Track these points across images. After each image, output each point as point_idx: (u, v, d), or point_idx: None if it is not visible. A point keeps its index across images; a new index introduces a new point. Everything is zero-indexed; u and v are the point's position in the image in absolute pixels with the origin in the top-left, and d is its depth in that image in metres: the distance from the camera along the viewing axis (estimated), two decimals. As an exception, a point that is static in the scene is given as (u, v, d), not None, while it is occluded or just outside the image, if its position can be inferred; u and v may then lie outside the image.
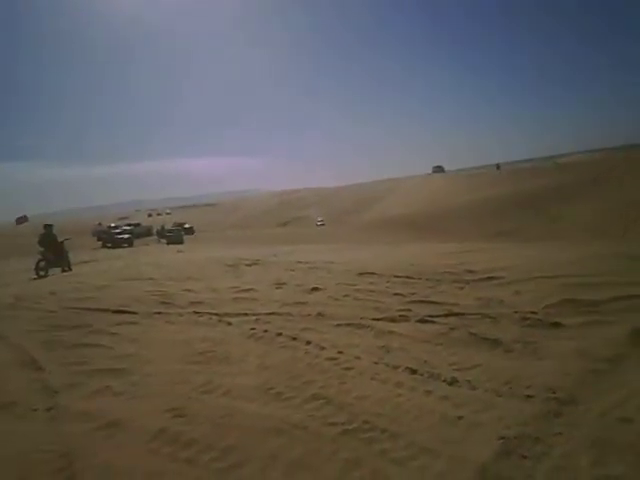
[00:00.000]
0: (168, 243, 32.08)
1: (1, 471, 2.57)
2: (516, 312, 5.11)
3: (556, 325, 4.61)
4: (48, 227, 13.91)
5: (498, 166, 65.82)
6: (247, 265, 10.47)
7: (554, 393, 3.12)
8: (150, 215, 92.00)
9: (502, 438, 2.57)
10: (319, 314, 5.58)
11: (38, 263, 12.83)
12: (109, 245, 31.70)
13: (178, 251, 18.39)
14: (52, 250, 13.35)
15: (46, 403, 3.45)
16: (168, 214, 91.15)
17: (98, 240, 38.69)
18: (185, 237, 36.40)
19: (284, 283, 7.79)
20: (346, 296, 6.52)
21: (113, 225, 45.32)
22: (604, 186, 32.60)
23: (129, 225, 45.77)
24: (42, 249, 13.26)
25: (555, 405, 2.98)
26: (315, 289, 7.05)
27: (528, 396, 3.11)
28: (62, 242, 13.89)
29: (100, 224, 55.27)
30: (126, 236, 33.12)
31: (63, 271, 13.16)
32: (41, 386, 3.82)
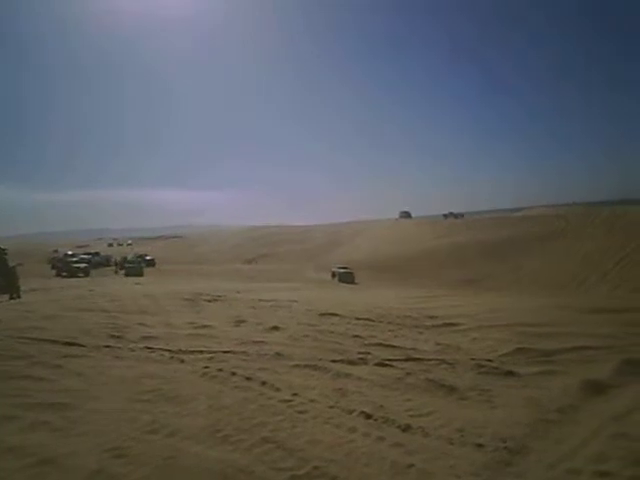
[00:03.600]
0: (127, 275, 30.96)
1: None
2: (473, 359, 5.18)
3: (510, 374, 4.69)
4: (0, 251, 13.23)
5: (460, 215, 67.67)
6: (207, 301, 10.22)
7: (504, 442, 3.12)
8: (111, 245, 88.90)
9: (452, 488, 2.52)
10: (277, 354, 5.46)
11: (-16, 289, 12.10)
12: (64, 274, 30.32)
13: (136, 283, 17.78)
14: (2, 275, 12.64)
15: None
16: (129, 245, 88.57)
17: (52, 268, 36.95)
18: (146, 269, 35.33)
19: (244, 321, 7.63)
20: (306, 336, 6.43)
21: (70, 253, 43.49)
22: (562, 240, 34.14)
23: (87, 254, 44.10)
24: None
25: (506, 455, 2.97)
26: (275, 328, 6.94)
27: (479, 445, 3.10)
28: (13, 267, 13.19)
29: (57, 251, 52.93)
30: (82, 265, 31.79)
31: (11, 298, 12.42)
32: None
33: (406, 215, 72.95)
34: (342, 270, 31.23)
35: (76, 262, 33.01)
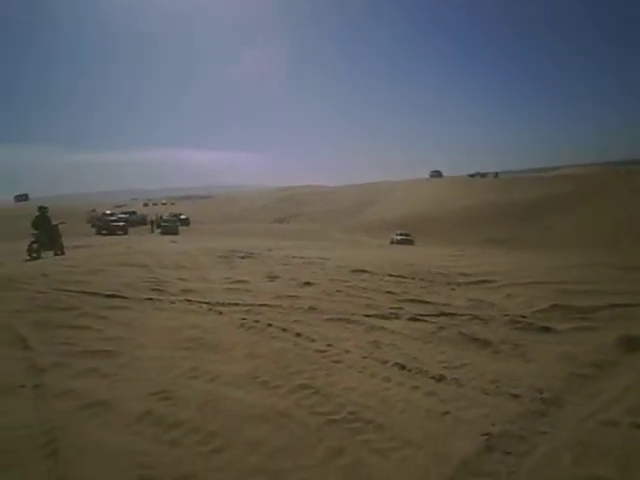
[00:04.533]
0: (162, 233, 31.89)
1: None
2: (506, 315, 5.14)
3: (545, 329, 4.64)
4: (43, 209, 13.77)
5: (496, 174, 65.88)
6: (241, 257, 10.44)
7: (541, 394, 3.13)
8: (146, 204, 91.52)
9: (486, 434, 2.57)
10: (311, 308, 5.57)
11: (31, 245, 12.70)
12: (104, 232, 31.48)
13: (172, 242, 18.30)
14: (45, 233, 13.24)
15: (32, 381, 3.41)
16: (164, 204, 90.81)
17: (92, 227, 38.44)
18: (181, 228, 36.21)
19: (277, 276, 7.78)
20: (338, 291, 6.51)
21: (108, 212, 44.99)
22: (598, 199, 32.80)
23: (124, 213, 45.51)
24: (35, 231, 13.15)
25: (541, 405, 2.99)
26: (308, 284, 7.04)
27: (515, 395, 3.12)
28: (56, 225, 13.77)
29: (94, 210, 54.76)
30: (121, 224, 32.88)
31: (56, 255, 13.05)
32: (28, 365, 3.78)
33: (437, 174, 71.40)
34: (400, 237, 30.77)
35: (115, 221, 34.11)
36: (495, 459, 2.35)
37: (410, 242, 28.98)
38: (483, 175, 66.43)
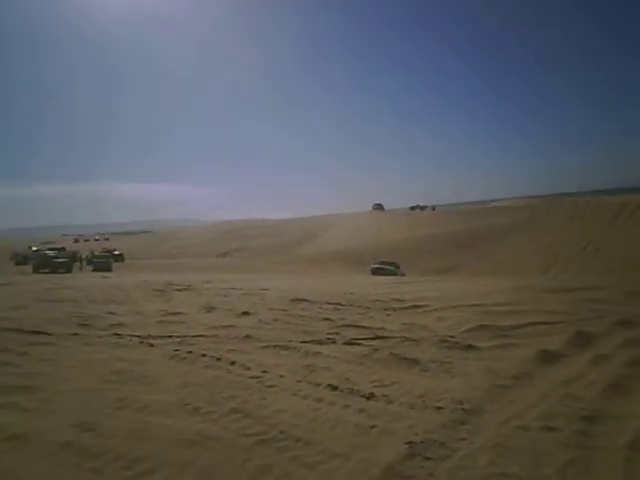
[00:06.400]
0: (95, 270, 30.14)
1: None
2: (436, 336, 5.40)
3: (471, 347, 4.92)
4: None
5: (429, 207, 69.48)
6: (177, 290, 10.16)
7: (462, 405, 3.32)
8: (77, 240, 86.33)
9: (410, 443, 2.69)
10: (247, 336, 5.54)
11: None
12: (43, 270, 29.13)
13: (104, 277, 17.44)
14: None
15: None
16: (97, 240, 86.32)
17: (17, 264, 35.99)
18: (115, 264, 34.46)
19: (214, 307, 7.66)
20: (276, 320, 6.53)
21: (34, 249, 42.14)
22: (530, 229, 35.52)
23: (52, 249, 42.75)
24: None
25: (462, 415, 3.17)
26: (245, 313, 7.01)
27: (438, 408, 3.29)
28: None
29: (30, 247, 51.29)
30: (63, 260, 30.72)
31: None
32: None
33: (379, 207, 74.06)
34: (377, 266, 29.81)
35: (56, 257, 31.72)
36: (416, 464, 2.47)
37: (389, 272, 27.55)
38: (422, 208, 69.77)
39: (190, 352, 4.88)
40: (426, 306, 7.46)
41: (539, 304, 7.10)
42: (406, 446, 2.64)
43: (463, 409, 3.26)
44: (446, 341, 5.15)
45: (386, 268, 29.18)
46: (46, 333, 5.90)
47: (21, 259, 40.40)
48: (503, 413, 3.23)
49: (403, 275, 26.88)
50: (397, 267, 29.88)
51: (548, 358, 4.50)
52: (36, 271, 28.93)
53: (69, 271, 28.23)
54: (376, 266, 29.87)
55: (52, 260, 30.03)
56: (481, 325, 5.79)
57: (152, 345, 5.26)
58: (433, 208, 68.44)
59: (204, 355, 4.76)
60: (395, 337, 5.39)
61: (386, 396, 3.55)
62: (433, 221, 46.38)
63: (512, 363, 4.37)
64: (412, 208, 71.17)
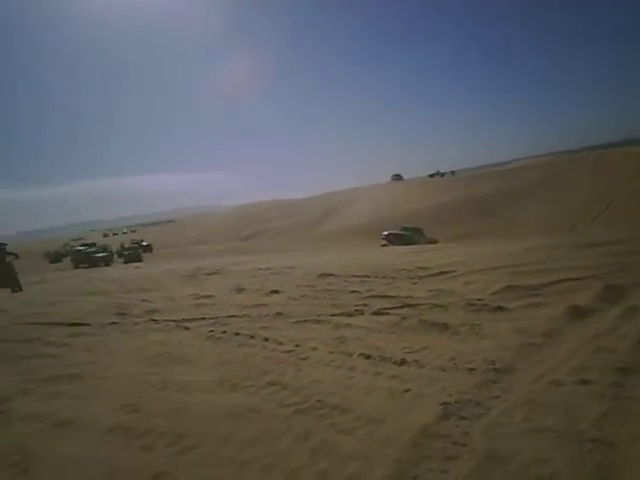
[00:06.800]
0: (125, 262, 31.09)
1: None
2: (464, 300, 5.40)
3: (499, 309, 4.92)
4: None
5: (453, 172, 68.25)
6: (207, 274, 10.39)
7: (493, 364, 3.36)
8: (106, 235, 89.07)
9: (444, 404, 2.75)
10: (278, 313, 5.66)
11: (-16, 284, 12.20)
12: (83, 265, 30.39)
13: (135, 267, 17.95)
14: (1, 270, 12.74)
15: (-2, 409, 3.36)
16: (125, 233, 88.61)
17: (50, 262, 37.70)
18: (144, 255, 35.43)
19: (244, 288, 7.81)
20: (304, 296, 6.63)
21: (79, 247, 43.97)
22: (554, 187, 34.57)
23: (84, 245, 44.26)
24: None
25: (494, 375, 3.20)
26: (274, 292, 7.13)
27: (470, 369, 3.33)
28: (10, 262, 13.26)
29: (67, 244, 53.32)
30: (103, 254, 32.05)
31: (13, 292, 12.56)
32: (-8, 395, 3.71)
33: (398, 178, 73.22)
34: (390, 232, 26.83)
35: (94, 252, 33.04)
36: (451, 424, 2.53)
37: (406, 239, 24.73)
38: (442, 174, 68.56)
39: (224, 332, 5.04)
40: (452, 272, 7.43)
41: (565, 261, 7.00)
42: (440, 407, 2.71)
43: (495, 369, 3.29)
44: (474, 304, 5.15)
45: (401, 234, 26.33)
46: (86, 324, 6.16)
47: (54, 257, 42.11)
48: (535, 370, 3.25)
49: (436, 242, 23.98)
50: (418, 233, 26.77)
51: (578, 314, 4.46)
52: (77, 266, 30.11)
53: (109, 265, 29.22)
54: (387, 233, 27.05)
55: (92, 256, 31.25)
56: (508, 286, 5.76)
57: (187, 328, 5.44)
58: (453, 173, 67.17)
59: (238, 334, 4.90)
60: (423, 304, 5.42)
61: (417, 361, 3.60)
62: (451, 187, 45.57)
63: (542, 321, 4.36)
64: (431, 175, 70.02)
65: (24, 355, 4.87)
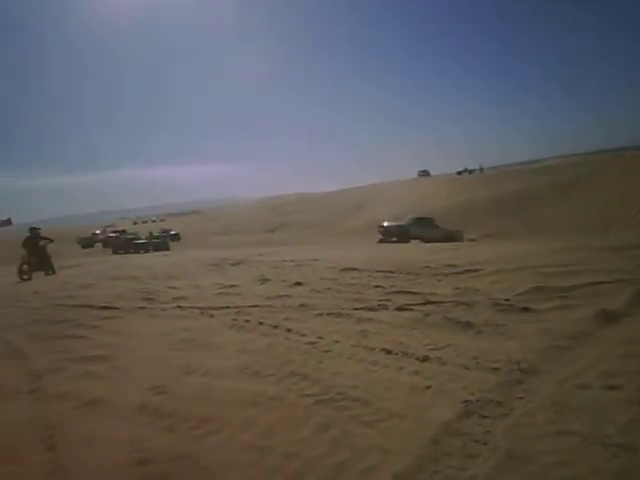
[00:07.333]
0: (154, 249, 31.87)
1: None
2: (490, 299, 5.31)
3: (526, 310, 4.81)
4: (33, 230, 13.80)
5: (481, 169, 66.57)
6: (231, 264, 10.54)
7: (518, 365, 3.30)
8: (135, 223, 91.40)
9: (466, 402, 2.72)
10: (301, 305, 5.70)
11: (21, 267, 12.69)
12: (121, 252, 31.49)
13: (163, 255, 18.36)
14: (35, 254, 13.24)
15: (30, 386, 3.52)
16: (154, 221, 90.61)
17: (83, 248, 39.13)
18: (172, 244, 36.23)
19: (268, 279, 7.89)
20: (328, 289, 6.65)
21: (97, 232, 45.35)
22: (581, 189, 33.43)
23: (115, 232, 45.56)
24: (25, 252, 13.14)
25: (518, 375, 3.15)
26: (298, 283, 7.17)
27: (494, 368, 3.28)
28: (44, 246, 13.75)
29: (105, 230, 55.12)
30: (141, 241, 33.25)
31: (47, 274, 13.05)
32: (26, 372, 3.89)
33: (425, 174, 72.23)
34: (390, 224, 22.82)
35: (133, 239, 34.37)
36: (473, 422, 2.50)
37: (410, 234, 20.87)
38: (471, 171, 67.11)
39: (247, 321, 5.11)
40: (478, 270, 7.30)
41: (596, 263, 6.77)
42: (462, 405, 2.68)
43: (520, 369, 3.23)
44: (500, 304, 5.06)
45: (403, 226, 21.85)
46: (115, 308, 6.37)
47: (86, 243, 43.54)
48: (562, 373, 3.17)
49: (460, 239, 20.59)
50: (431, 225, 22.66)
51: (607, 318, 4.31)
52: (115, 252, 31.27)
53: (147, 251, 30.14)
54: (387, 224, 22.92)
55: (132, 242, 32.44)
56: (536, 287, 5.62)
57: (212, 316, 5.55)
58: (481, 170, 65.59)
59: (261, 323, 4.97)
60: (447, 302, 5.35)
61: (440, 358, 3.57)
62: (479, 184, 44.63)
63: (570, 324, 4.24)
64: (459, 172, 68.65)
65: (56, 335, 5.08)
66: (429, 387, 3.00)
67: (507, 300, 5.23)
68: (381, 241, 21.76)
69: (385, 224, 23.32)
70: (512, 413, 2.60)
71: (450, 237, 20.34)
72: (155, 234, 41.61)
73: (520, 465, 2.11)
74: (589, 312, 4.48)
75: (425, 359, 3.59)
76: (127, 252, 30.14)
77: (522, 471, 2.07)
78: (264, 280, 7.82)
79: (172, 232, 46.74)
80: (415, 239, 20.60)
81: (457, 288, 6.08)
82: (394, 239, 21.47)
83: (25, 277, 12.49)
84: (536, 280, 5.99)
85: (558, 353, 3.56)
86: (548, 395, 2.81)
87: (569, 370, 3.20)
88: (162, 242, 34.06)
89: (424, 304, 5.36)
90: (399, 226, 22.62)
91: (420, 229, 21.91)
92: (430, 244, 16.18)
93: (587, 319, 4.30)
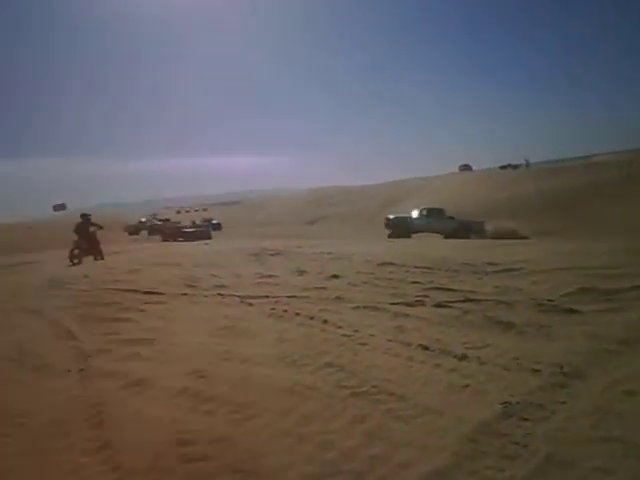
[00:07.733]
0: (196, 238, 32.67)
1: (37, 417, 2.82)
2: (532, 299, 5.15)
3: (571, 311, 4.65)
4: (84, 216, 14.44)
5: (528, 164, 63.51)
6: (271, 255, 10.69)
7: (561, 368, 3.20)
8: (179, 212, 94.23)
9: (505, 403, 2.68)
10: (337, 298, 5.73)
11: (72, 251, 13.34)
12: (170, 239, 32.53)
13: (205, 244, 18.86)
14: (86, 239, 13.87)
15: (79, 365, 3.74)
16: (196, 211, 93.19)
17: (130, 234, 40.86)
18: (213, 233, 37.05)
19: (305, 271, 7.96)
20: (364, 283, 6.64)
21: (143, 220, 47.15)
22: (633, 187, 31.57)
23: (159, 220, 47.19)
24: (77, 238, 13.78)
25: (561, 378, 3.06)
26: (335, 276, 7.20)
27: (535, 370, 3.20)
28: (94, 232, 14.38)
29: (150, 219, 57.10)
30: (191, 230, 34.28)
31: (95, 259, 13.66)
32: (75, 352, 4.13)
33: (467, 168, 70.08)
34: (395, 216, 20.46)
35: (184, 227, 35.54)
36: (512, 424, 2.46)
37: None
38: (515, 167, 64.27)
39: (285, 311, 5.20)
40: (521, 269, 7.08)
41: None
42: (501, 406, 2.63)
43: (563, 373, 3.14)
44: (543, 305, 4.90)
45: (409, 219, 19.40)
46: (159, 293, 6.62)
47: (133, 230, 45.31)
48: (607, 378, 3.06)
49: (481, 233, 18.60)
50: (442, 216, 20.14)
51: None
52: (165, 240, 32.33)
53: (198, 239, 30.92)
54: (392, 216, 20.65)
55: (183, 231, 33.47)
56: (582, 288, 5.40)
57: (251, 304, 5.67)
58: (527, 165, 62.63)
59: (298, 314, 5.04)
60: (488, 300, 5.23)
61: (479, 357, 3.51)
62: (525, 180, 42.92)
63: (617, 327, 4.07)
64: (502, 167, 65.88)
65: (104, 317, 5.35)
66: (467, 386, 2.97)
67: (551, 301, 5.06)
68: (390, 236, 19.73)
69: (391, 216, 21.29)
70: (553, 417, 2.54)
71: (466, 230, 18.49)
72: (197, 223, 42.78)
73: (560, 469, 2.06)
74: (638, 316, 4.29)
75: (463, 357, 3.54)
76: (175, 240, 31.02)
77: (561, 476, 2.03)
78: (301, 272, 7.90)
79: (214, 222, 47.87)
80: (420, 232, 19.06)
81: (498, 287, 5.93)
82: (396, 233, 19.68)
83: (76, 261, 13.12)
84: (582, 281, 5.76)
85: (604, 357, 3.43)
86: (592, 400, 2.72)
87: (616, 375, 3.09)
88: (204, 231, 34.86)
89: (463, 302, 5.26)
90: (396, 217, 20.86)
91: (428, 221, 19.85)
92: (465, 241, 15.65)
93: (636, 323, 4.12)
